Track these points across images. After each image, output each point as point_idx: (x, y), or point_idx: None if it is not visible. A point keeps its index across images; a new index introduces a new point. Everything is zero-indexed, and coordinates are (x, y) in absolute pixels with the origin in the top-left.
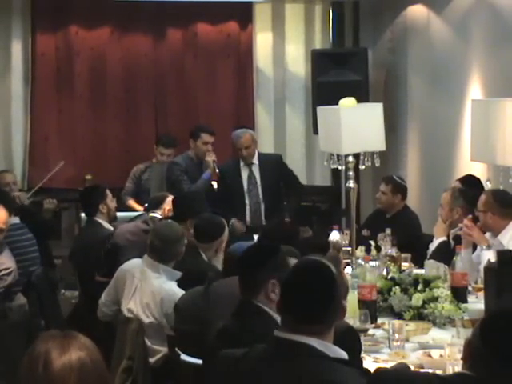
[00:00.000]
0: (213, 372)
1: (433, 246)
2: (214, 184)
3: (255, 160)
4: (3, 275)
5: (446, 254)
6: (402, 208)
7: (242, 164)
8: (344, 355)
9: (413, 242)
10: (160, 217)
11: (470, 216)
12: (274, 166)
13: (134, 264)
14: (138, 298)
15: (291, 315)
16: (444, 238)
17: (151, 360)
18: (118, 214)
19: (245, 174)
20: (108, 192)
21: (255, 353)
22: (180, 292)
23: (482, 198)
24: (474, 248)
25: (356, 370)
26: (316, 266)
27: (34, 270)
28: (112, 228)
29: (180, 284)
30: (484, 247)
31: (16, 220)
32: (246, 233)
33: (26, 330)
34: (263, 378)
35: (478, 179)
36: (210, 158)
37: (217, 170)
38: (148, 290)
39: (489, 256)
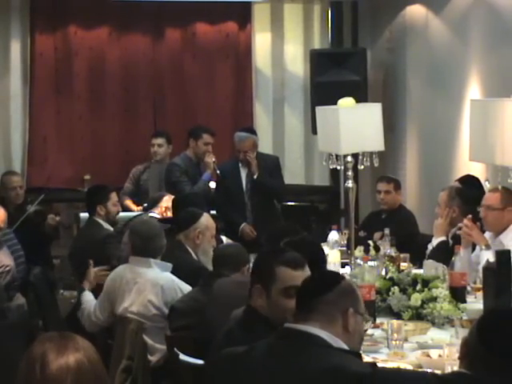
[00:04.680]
0: (216, 372)
1: (432, 246)
2: (213, 184)
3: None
4: (1, 273)
5: (445, 253)
6: (398, 207)
7: (240, 164)
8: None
9: (410, 240)
10: (158, 216)
11: (470, 216)
12: (269, 167)
13: (120, 269)
14: (136, 296)
15: (297, 307)
16: (443, 238)
17: (152, 359)
18: None
19: (243, 174)
20: (113, 196)
21: (259, 348)
22: (177, 279)
23: (505, 194)
24: (473, 248)
25: (361, 362)
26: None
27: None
28: (112, 229)
29: None
30: (483, 247)
31: None
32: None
33: (25, 330)
34: (268, 370)
35: (477, 179)
36: (210, 159)
37: (217, 171)
38: (146, 284)
39: (488, 256)
